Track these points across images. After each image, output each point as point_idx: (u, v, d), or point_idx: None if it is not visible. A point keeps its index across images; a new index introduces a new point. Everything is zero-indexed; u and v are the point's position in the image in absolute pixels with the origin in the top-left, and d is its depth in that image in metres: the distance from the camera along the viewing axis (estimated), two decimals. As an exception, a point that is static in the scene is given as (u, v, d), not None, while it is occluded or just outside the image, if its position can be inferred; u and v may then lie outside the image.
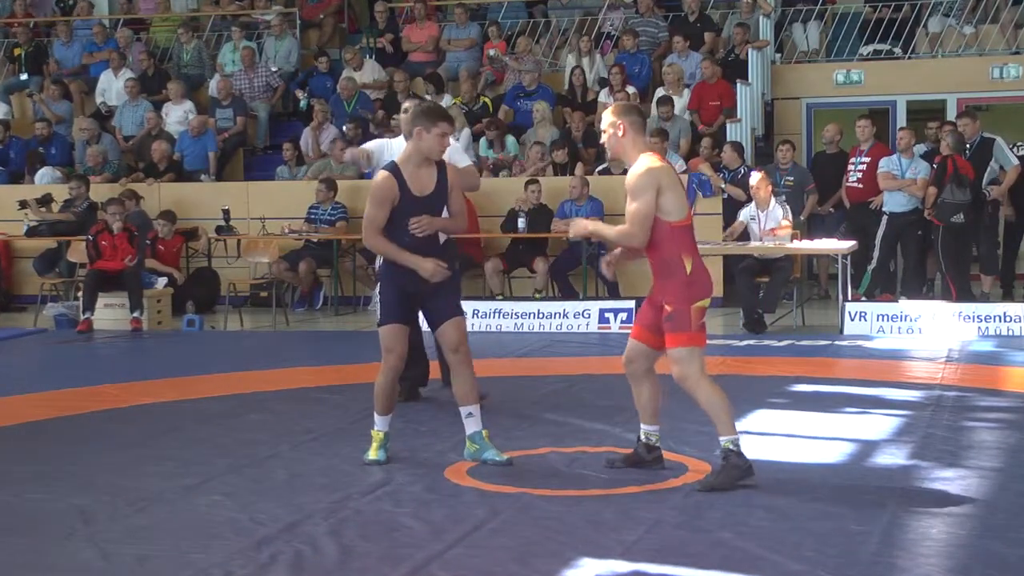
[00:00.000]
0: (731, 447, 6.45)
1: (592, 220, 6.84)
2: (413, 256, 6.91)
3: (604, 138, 6.72)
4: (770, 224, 12.86)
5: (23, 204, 15.92)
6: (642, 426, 6.87)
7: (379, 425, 7.19)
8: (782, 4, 18.14)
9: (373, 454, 7.16)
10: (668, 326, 6.50)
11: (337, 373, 10.51)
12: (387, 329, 7.05)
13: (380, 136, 16.08)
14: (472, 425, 7.05)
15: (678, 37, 17.01)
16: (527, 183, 14.72)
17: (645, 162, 6.48)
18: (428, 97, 17.19)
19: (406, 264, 6.92)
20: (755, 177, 13.10)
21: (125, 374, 11.01)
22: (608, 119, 6.64)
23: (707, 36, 17.52)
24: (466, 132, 16.21)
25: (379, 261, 7.31)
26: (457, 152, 9.27)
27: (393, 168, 6.99)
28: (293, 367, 10.93)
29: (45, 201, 15.91)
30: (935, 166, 13.42)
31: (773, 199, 13.04)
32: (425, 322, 7.37)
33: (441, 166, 7.09)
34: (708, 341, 11.87)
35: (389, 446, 7.21)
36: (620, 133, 6.58)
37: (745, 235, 13.01)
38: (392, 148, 9.29)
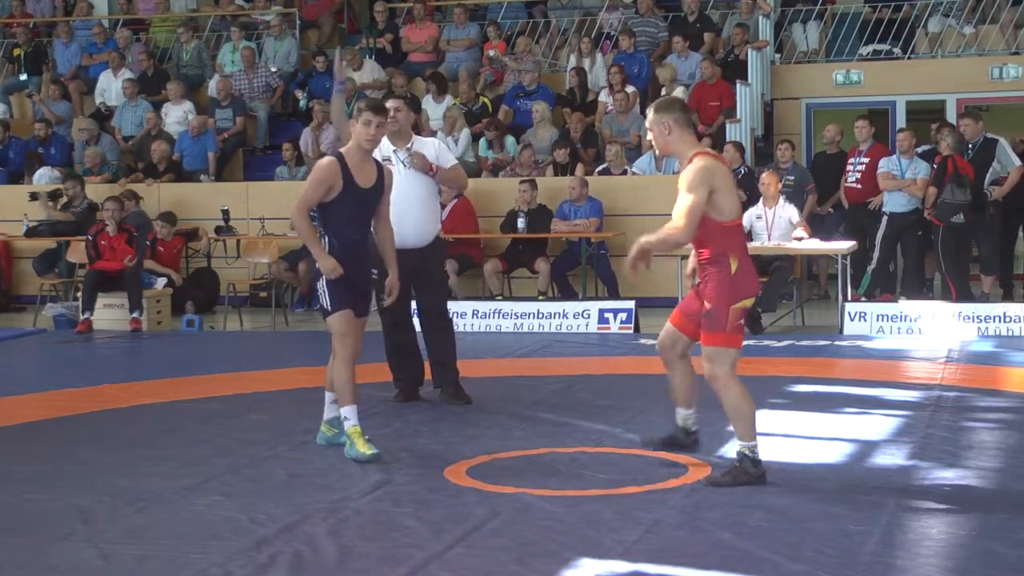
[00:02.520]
0: (748, 453, 6.48)
1: (644, 239, 6.54)
2: (321, 250, 7.22)
3: (651, 137, 6.68)
4: (778, 223, 12.89)
5: (34, 196, 15.93)
6: (677, 410, 6.91)
7: (352, 419, 7.17)
8: (781, 4, 18.14)
9: (365, 449, 7.08)
10: (705, 324, 6.54)
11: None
12: (338, 316, 7.18)
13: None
14: (332, 411, 7.50)
15: (677, 37, 17.01)
16: (520, 183, 14.71)
17: (701, 160, 6.45)
18: (430, 97, 17.23)
19: (313, 253, 7.26)
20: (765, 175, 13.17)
21: (124, 374, 11.01)
22: (652, 118, 6.59)
23: (706, 36, 17.53)
24: (466, 132, 16.21)
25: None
26: (444, 151, 9.27)
27: (339, 156, 7.24)
28: (293, 367, 10.92)
29: (55, 196, 15.92)
30: (935, 166, 13.42)
31: (781, 197, 13.08)
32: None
33: (378, 165, 7.44)
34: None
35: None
36: (667, 132, 6.54)
37: (749, 235, 13.05)
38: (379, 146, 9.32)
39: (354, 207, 7.24)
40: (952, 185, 13.10)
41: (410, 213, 8.68)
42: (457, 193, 14.65)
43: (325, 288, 7.25)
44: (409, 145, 8.91)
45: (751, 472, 6.47)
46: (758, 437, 6.53)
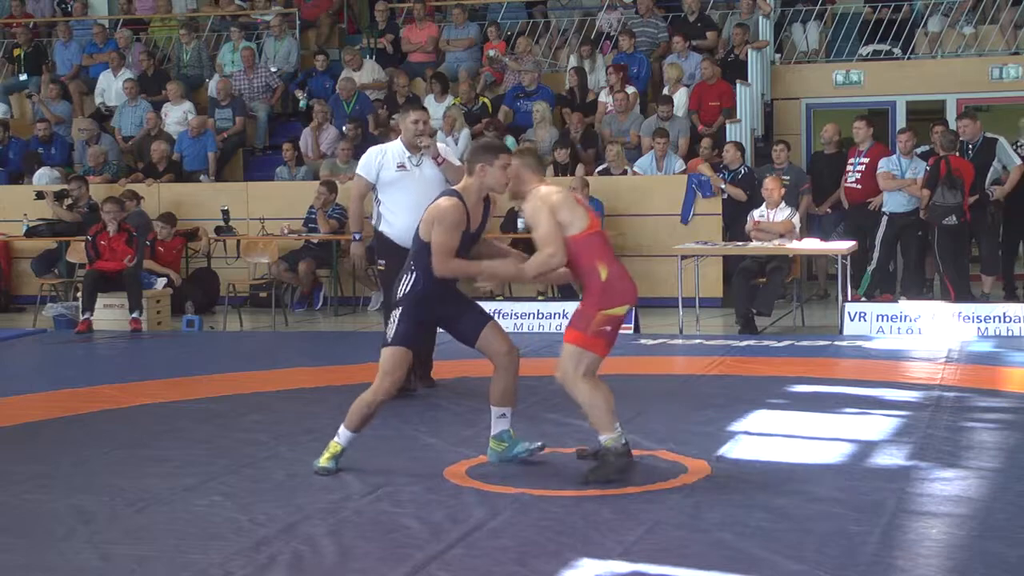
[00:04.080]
0: (610, 444, 6.56)
1: (503, 261, 6.93)
2: (487, 263, 6.94)
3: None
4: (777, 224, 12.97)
5: (40, 195, 15.93)
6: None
7: (342, 440, 6.94)
8: (781, 4, 18.14)
9: (324, 462, 6.91)
10: (571, 321, 6.75)
11: (336, 373, 10.50)
12: (396, 352, 6.83)
13: (379, 138, 16.13)
14: (502, 424, 7.05)
15: (678, 37, 17.01)
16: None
17: (532, 194, 6.71)
18: (432, 97, 17.24)
19: (483, 271, 6.89)
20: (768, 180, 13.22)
21: (124, 374, 11.01)
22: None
23: (711, 35, 17.54)
24: (465, 132, 16.22)
25: (407, 286, 6.88)
26: (449, 154, 9.46)
27: (460, 197, 6.80)
28: (292, 368, 10.92)
29: (60, 196, 15.92)
30: (928, 167, 13.41)
31: (782, 201, 13.13)
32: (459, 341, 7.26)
33: (486, 204, 7.03)
34: (709, 341, 12.00)
35: (341, 461, 6.95)
36: (515, 175, 6.79)
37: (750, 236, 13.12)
38: (387, 153, 9.44)
39: (461, 248, 6.84)
40: (943, 187, 13.09)
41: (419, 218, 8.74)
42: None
43: (398, 318, 6.86)
44: (422, 152, 9.25)
45: (616, 463, 6.56)
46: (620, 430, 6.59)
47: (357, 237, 9.88)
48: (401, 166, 9.24)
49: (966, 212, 13.27)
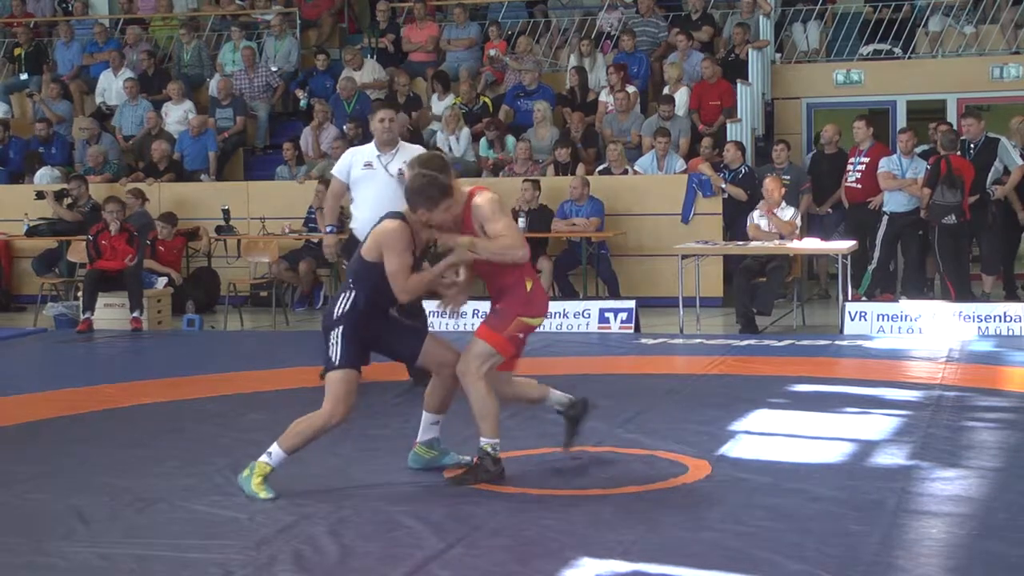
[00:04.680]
0: (489, 450, 6.56)
1: (455, 250, 6.57)
2: (443, 261, 6.61)
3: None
4: (775, 225, 12.96)
5: (40, 195, 15.93)
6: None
7: (274, 460, 6.46)
8: (782, 4, 18.14)
9: (258, 487, 6.39)
10: (488, 318, 6.68)
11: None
12: (348, 375, 6.43)
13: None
14: (434, 432, 6.90)
15: (681, 36, 17.00)
16: (523, 181, 14.71)
17: (485, 192, 6.58)
18: (435, 96, 17.24)
19: (440, 269, 6.54)
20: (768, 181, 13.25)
21: (125, 374, 11.01)
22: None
23: (707, 30, 17.54)
24: (466, 132, 16.22)
25: (346, 305, 6.52)
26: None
27: (405, 219, 6.53)
28: (293, 367, 10.92)
29: (61, 195, 15.92)
30: (929, 166, 13.41)
31: (783, 201, 13.14)
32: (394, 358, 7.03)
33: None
34: (709, 341, 11.99)
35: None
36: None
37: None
38: (358, 153, 9.73)
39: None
40: (943, 186, 13.08)
41: (380, 216, 8.89)
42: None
43: (341, 338, 6.47)
44: (394, 151, 9.42)
45: (491, 470, 6.56)
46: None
47: (329, 230, 10.15)
48: (368, 164, 9.50)
49: (966, 212, 13.27)
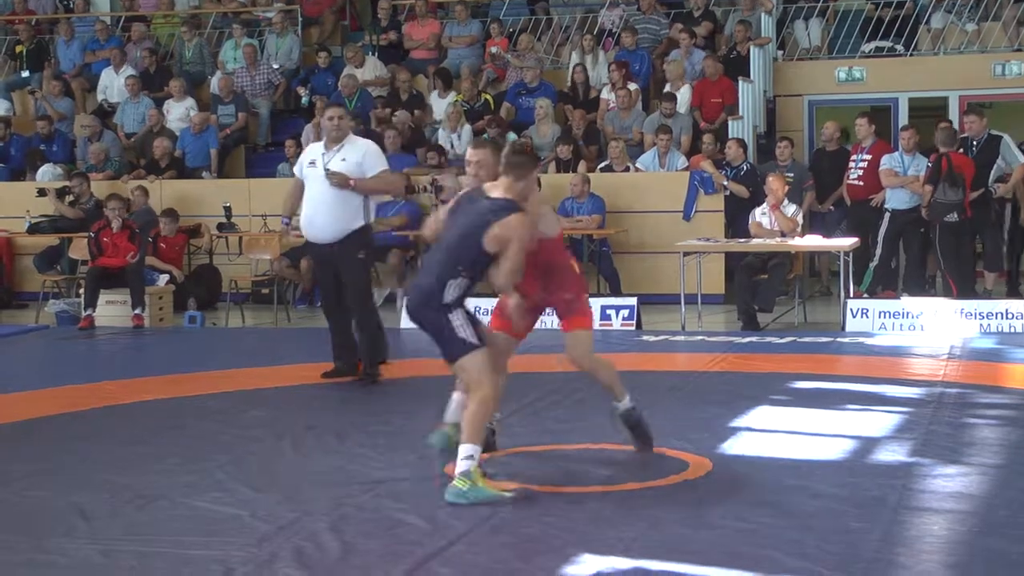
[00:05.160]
0: (629, 407, 7.15)
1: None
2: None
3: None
4: (779, 222, 12.96)
5: (42, 192, 15.93)
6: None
7: (477, 456, 6.35)
8: (784, 1, 18.13)
9: (490, 487, 6.26)
10: (570, 309, 7.06)
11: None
12: (481, 351, 6.50)
13: (380, 134, 16.14)
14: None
15: (683, 34, 16.99)
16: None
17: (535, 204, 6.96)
18: (436, 93, 17.24)
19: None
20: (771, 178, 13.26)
21: (126, 371, 11.02)
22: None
23: (708, 27, 17.53)
24: (467, 129, 16.21)
25: (459, 291, 6.57)
26: (371, 156, 9.86)
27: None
28: (294, 364, 10.92)
29: (63, 193, 15.92)
30: (930, 164, 13.39)
31: (786, 198, 13.13)
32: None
33: None
34: (711, 338, 12.03)
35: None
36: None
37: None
38: (307, 153, 10.08)
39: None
40: (944, 184, 13.06)
41: (320, 212, 9.69)
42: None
43: (463, 323, 6.54)
44: (338, 147, 9.69)
45: (641, 422, 7.18)
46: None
47: (285, 221, 10.45)
48: (312, 163, 9.76)
49: (967, 209, 13.25)
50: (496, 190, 6.70)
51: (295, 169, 10.23)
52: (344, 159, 9.70)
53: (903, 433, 7.69)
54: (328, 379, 9.89)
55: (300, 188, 9.95)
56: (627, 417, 7.14)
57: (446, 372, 9.70)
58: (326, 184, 9.59)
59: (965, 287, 13.21)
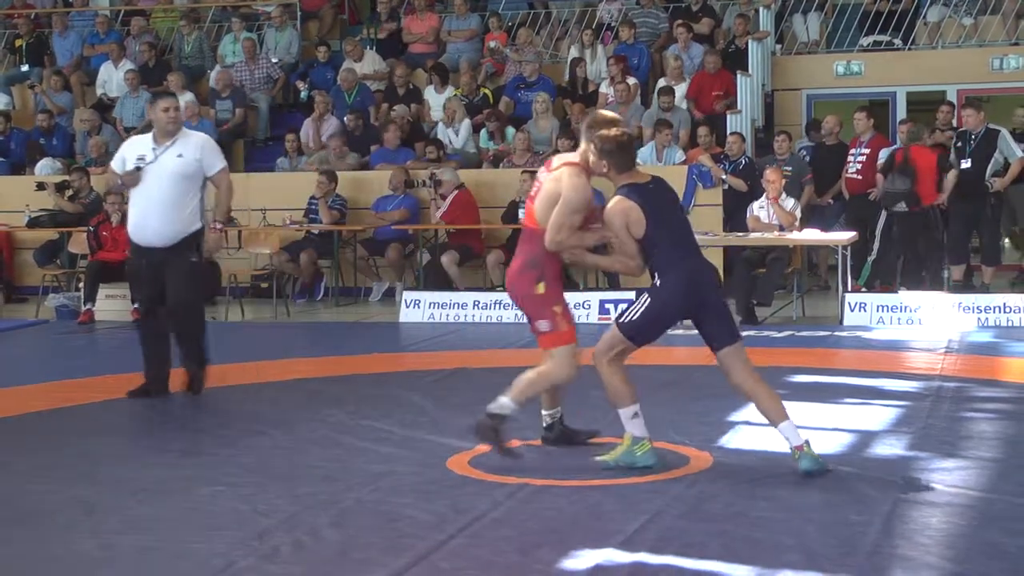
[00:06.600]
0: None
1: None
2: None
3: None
4: (778, 216, 12.98)
5: (41, 186, 15.93)
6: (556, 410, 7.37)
7: (627, 422, 6.86)
8: (782, -5, 18.15)
9: (641, 452, 6.71)
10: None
11: (338, 364, 10.52)
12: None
13: (379, 128, 16.15)
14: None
15: (681, 29, 16.99)
16: (522, 173, 14.69)
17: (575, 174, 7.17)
18: (432, 88, 17.24)
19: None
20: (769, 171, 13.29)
21: (126, 365, 11.00)
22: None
23: (707, 21, 17.54)
24: (466, 123, 16.22)
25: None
26: (209, 152, 9.15)
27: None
28: (294, 358, 10.93)
29: (62, 187, 15.92)
30: (888, 155, 13.63)
31: (784, 192, 13.15)
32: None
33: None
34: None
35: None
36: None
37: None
38: (134, 145, 9.14)
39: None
40: (894, 173, 13.26)
41: (152, 214, 8.89)
42: (459, 183, 14.68)
43: (648, 304, 7.22)
44: (171, 142, 8.88)
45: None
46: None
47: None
48: (141, 158, 8.87)
49: (920, 200, 13.33)
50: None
51: (114, 165, 9.20)
52: (180, 155, 8.86)
53: (901, 427, 7.70)
54: (135, 396, 9.08)
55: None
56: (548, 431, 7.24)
57: (438, 366, 9.73)
58: (158, 184, 8.77)
59: (916, 279, 13.34)
